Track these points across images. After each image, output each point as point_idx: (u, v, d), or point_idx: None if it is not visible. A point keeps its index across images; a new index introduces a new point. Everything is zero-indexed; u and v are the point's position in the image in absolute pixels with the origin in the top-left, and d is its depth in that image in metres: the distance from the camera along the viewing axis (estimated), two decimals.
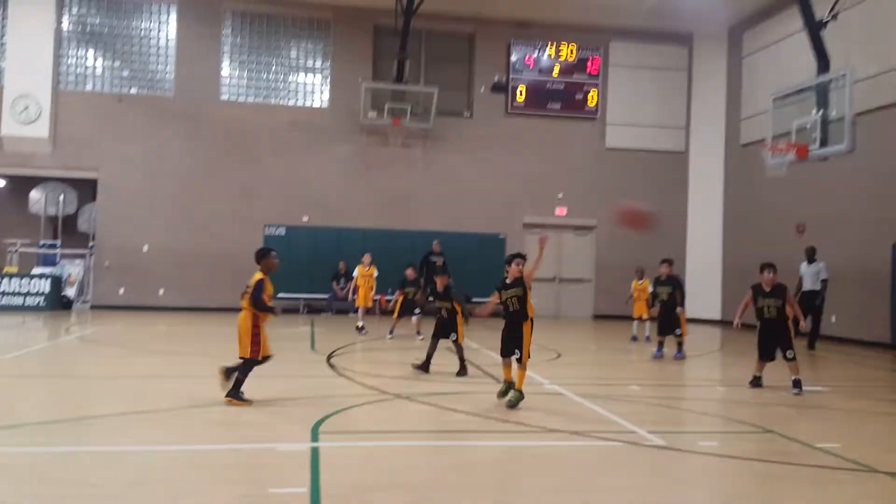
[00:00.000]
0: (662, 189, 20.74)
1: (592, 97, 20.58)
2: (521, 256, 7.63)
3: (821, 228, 16.14)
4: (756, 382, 8.91)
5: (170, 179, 19.11)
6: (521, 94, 20.29)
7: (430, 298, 9.61)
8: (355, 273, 14.95)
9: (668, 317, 11.67)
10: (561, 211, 20.53)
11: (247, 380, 7.15)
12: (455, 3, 18.91)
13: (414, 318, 13.73)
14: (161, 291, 18.99)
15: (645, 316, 14.10)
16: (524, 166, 20.34)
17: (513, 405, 7.19)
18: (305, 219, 19.40)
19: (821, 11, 13.29)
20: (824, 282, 13.88)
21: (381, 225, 19.53)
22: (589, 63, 20.59)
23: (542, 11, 19.64)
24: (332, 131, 19.59)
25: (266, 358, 7.27)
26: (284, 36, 19.87)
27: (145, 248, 18.97)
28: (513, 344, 7.40)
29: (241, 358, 7.15)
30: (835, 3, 13.05)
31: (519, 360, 7.32)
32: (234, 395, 7.08)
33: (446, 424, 6.78)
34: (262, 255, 7.62)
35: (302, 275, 18.97)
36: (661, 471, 5.46)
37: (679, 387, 9.47)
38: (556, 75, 20.44)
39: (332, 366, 9.99)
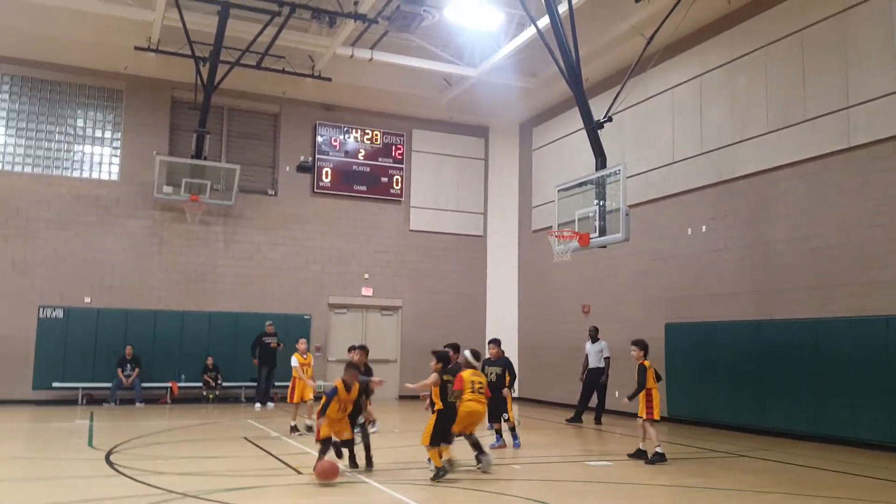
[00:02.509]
0: (464, 271, 21.59)
1: (397, 181, 21.17)
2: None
3: (603, 309, 17.52)
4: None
5: None
6: (327, 175, 20.40)
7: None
8: (294, 363, 12.65)
9: (497, 398, 10.67)
10: (367, 291, 20.59)
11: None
12: (260, 83, 18.78)
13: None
14: None
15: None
16: (330, 246, 20.26)
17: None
18: (88, 300, 17.73)
19: (598, 113, 14.73)
20: (607, 359, 14.97)
21: (175, 306, 18.34)
22: (394, 148, 21.25)
23: (347, 97, 20.10)
24: (121, 206, 18.30)
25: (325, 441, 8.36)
26: (70, 104, 18.50)
27: None
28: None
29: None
30: (610, 107, 14.53)
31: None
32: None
33: None
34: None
35: (82, 362, 17.26)
36: None
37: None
38: (361, 158, 20.84)
39: (111, 463, 9.01)
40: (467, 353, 9.26)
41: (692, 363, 14.82)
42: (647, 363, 10.05)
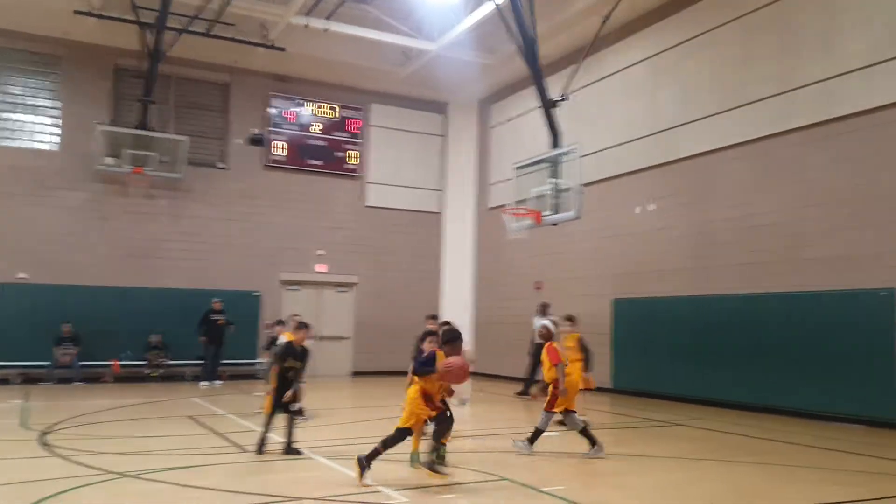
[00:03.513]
0: (419, 248, 21.42)
1: (353, 156, 20.80)
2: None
3: (555, 285, 17.63)
4: None
5: None
6: (280, 148, 19.92)
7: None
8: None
9: None
10: (321, 267, 20.26)
11: None
12: (209, 51, 18.12)
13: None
14: None
15: None
16: (283, 221, 19.82)
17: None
18: (22, 275, 16.99)
19: (555, 91, 14.69)
20: None
21: (117, 282, 17.68)
22: (350, 122, 20.85)
23: (302, 68, 19.60)
24: (60, 177, 17.47)
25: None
26: (4, 70, 17.54)
27: None
28: None
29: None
30: (566, 86, 14.47)
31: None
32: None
33: None
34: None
35: (16, 340, 16.49)
36: None
37: (428, 440, 9.30)
38: (317, 132, 20.40)
39: (46, 444, 8.65)
40: (548, 322, 9.05)
41: (637, 337, 15.28)
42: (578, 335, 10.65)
